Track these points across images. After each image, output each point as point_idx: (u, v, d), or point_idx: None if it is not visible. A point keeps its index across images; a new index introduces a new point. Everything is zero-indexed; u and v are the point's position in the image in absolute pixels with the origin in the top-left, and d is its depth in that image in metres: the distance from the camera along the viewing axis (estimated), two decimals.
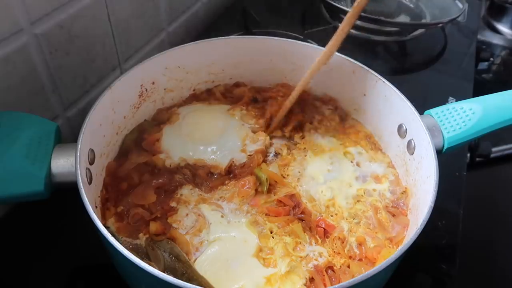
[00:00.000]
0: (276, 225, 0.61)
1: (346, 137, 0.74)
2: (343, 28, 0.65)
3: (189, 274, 0.54)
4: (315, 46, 0.77)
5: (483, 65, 1.30)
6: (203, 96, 0.81)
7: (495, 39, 1.40)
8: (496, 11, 1.46)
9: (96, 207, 0.59)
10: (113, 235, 0.47)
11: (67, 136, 0.76)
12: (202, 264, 0.55)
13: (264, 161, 0.70)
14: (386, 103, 0.69)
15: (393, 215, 0.63)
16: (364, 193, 0.66)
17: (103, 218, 0.60)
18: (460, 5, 1.18)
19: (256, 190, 0.65)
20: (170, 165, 0.67)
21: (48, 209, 0.62)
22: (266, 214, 0.62)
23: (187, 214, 0.61)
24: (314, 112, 0.78)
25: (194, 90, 0.80)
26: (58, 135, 0.58)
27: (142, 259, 0.45)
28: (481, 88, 1.07)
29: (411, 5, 1.26)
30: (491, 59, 1.32)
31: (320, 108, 0.79)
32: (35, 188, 0.52)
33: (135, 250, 0.56)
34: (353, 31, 1.17)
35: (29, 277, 0.62)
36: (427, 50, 1.19)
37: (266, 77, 0.82)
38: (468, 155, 0.92)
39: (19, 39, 0.62)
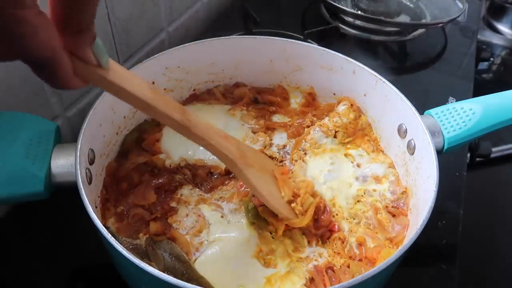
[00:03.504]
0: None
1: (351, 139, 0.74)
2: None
3: (189, 274, 0.54)
4: (315, 46, 0.77)
5: (483, 65, 1.30)
6: (203, 96, 0.81)
7: (495, 39, 1.40)
8: (496, 11, 1.45)
9: (96, 207, 0.59)
10: (113, 235, 0.47)
11: (67, 136, 0.76)
12: (202, 264, 0.55)
13: None
14: (386, 103, 0.69)
15: (393, 215, 0.63)
16: (364, 193, 0.66)
17: (103, 218, 0.60)
18: (460, 5, 1.18)
19: None
20: (170, 165, 0.67)
21: (48, 209, 0.62)
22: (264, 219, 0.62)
23: (187, 215, 0.61)
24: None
25: (194, 90, 0.80)
26: (58, 135, 0.58)
27: (142, 259, 0.45)
28: (481, 88, 1.07)
29: (411, 5, 1.26)
30: (491, 59, 1.31)
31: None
32: (35, 188, 0.52)
33: (135, 250, 0.56)
34: (353, 31, 1.18)
35: (29, 277, 0.62)
36: (427, 50, 1.19)
37: (266, 77, 0.82)
38: (468, 155, 0.92)
39: None
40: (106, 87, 0.41)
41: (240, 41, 0.78)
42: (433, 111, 0.66)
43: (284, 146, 0.73)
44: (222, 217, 0.61)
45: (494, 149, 0.99)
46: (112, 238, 0.46)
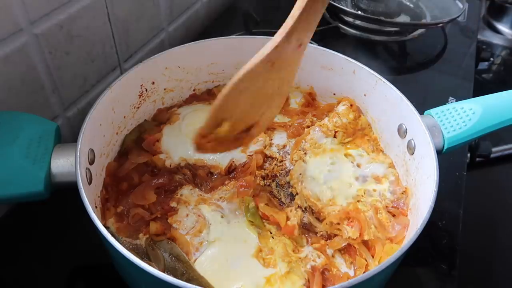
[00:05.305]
0: (275, 227, 0.61)
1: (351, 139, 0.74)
2: None
3: (189, 274, 0.54)
4: (315, 46, 0.76)
5: (483, 65, 1.30)
6: (203, 96, 0.81)
7: (495, 39, 1.40)
8: (496, 11, 1.46)
9: (96, 207, 0.59)
10: (113, 235, 0.47)
11: (67, 136, 0.76)
12: (202, 264, 0.55)
13: (265, 161, 0.70)
14: (386, 103, 0.69)
15: (393, 215, 0.63)
16: (364, 193, 0.66)
17: (103, 218, 0.60)
18: (460, 5, 1.18)
19: (254, 189, 0.65)
20: (170, 165, 0.67)
21: (48, 209, 0.62)
22: (262, 218, 0.62)
23: (187, 215, 0.61)
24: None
25: (194, 90, 0.80)
26: (58, 135, 0.58)
27: (142, 259, 0.45)
28: (481, 88, 1.07)
29: (411, 5, 1.26)
30: (491, 59, 1.32)
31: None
32: (35, 188, 0.52)
33: (135, 250, 0.56)
34: (353, 31, 1.18)
35: (29, 277, 0.62)
36: (427, 50, 1.19)
37: None
38: (468, 155, 0.92)
39: (19, 39, 0.62)
40: None
41: (240, 41, 0.78)
42: (433, 111, 0.66)
43: (284, 146, 0.73)
44: (222, 217, 0.61)
45: (494, 149, 0.99)
46: (112, 238, 0.46)
